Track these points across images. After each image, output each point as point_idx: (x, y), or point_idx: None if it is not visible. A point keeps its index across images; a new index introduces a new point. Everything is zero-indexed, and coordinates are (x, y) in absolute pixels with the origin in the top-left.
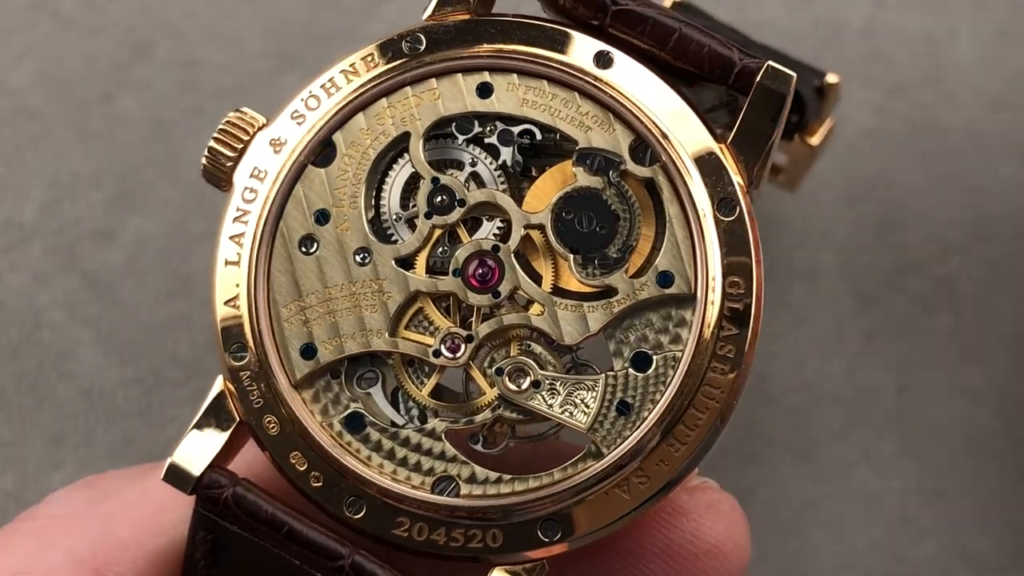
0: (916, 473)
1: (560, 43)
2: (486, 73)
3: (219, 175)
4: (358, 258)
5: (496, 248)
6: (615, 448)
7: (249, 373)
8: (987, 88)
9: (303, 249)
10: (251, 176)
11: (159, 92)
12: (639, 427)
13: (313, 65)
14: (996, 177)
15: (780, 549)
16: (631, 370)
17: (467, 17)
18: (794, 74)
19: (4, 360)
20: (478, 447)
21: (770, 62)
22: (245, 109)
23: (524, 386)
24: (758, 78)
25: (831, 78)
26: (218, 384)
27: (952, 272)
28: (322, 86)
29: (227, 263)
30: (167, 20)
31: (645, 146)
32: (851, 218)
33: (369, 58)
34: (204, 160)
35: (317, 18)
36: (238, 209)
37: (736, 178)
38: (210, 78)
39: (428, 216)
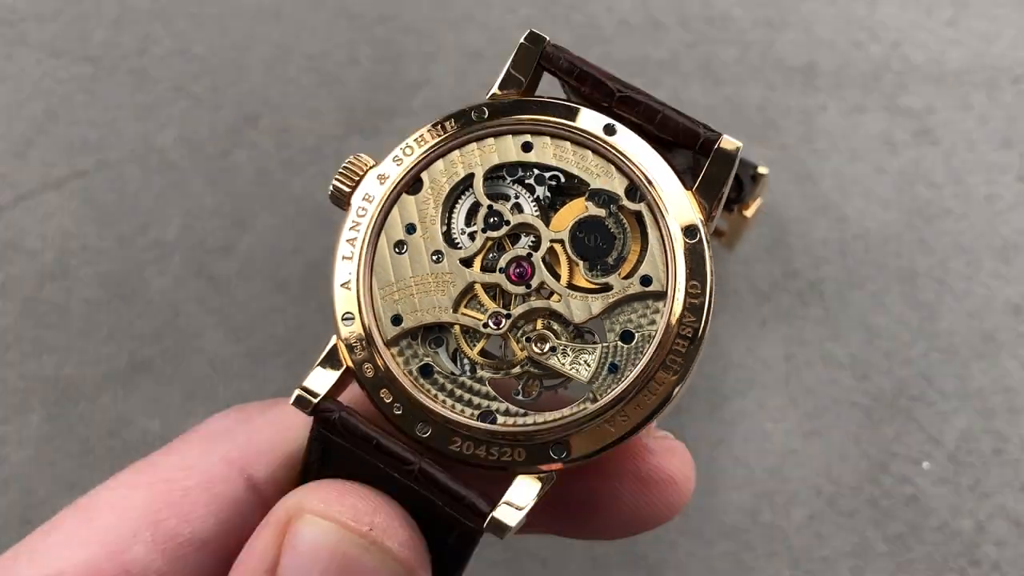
0: (797, 418)
1: (580, 117)
2: (528, 135)
3: (341, 198)
4: (434, 257)
5: (529, 255)
6: (606, 395)
7: (354, 333)
8: (846, 147)
9: (396, 250)
10: (363, 199)
11: (263, 149)
12: (623, 382)
13: (371, 130)
14: (853, 210)
15: (701, 474)
16: (619, 342)
17: (517, 97)
18: (740, 143)
19: (153, 340)
20: (519, 397)
21: (724, 135)
22: (361, 154)
23: (545, 350)
24: (716, 146)
25: (762, 169)
26: (332, 340)
27: (821, 277)
28: (415, 139)
29: (344, 258)
30: (269, 98)
31: (636, 189)
32: (751, 239)
33: (449, 121)
34: (331, 187)
35: (374, 96)
36: (352, 221)
37: (698, 214)
38: (298, 139)
39: (484, 231)
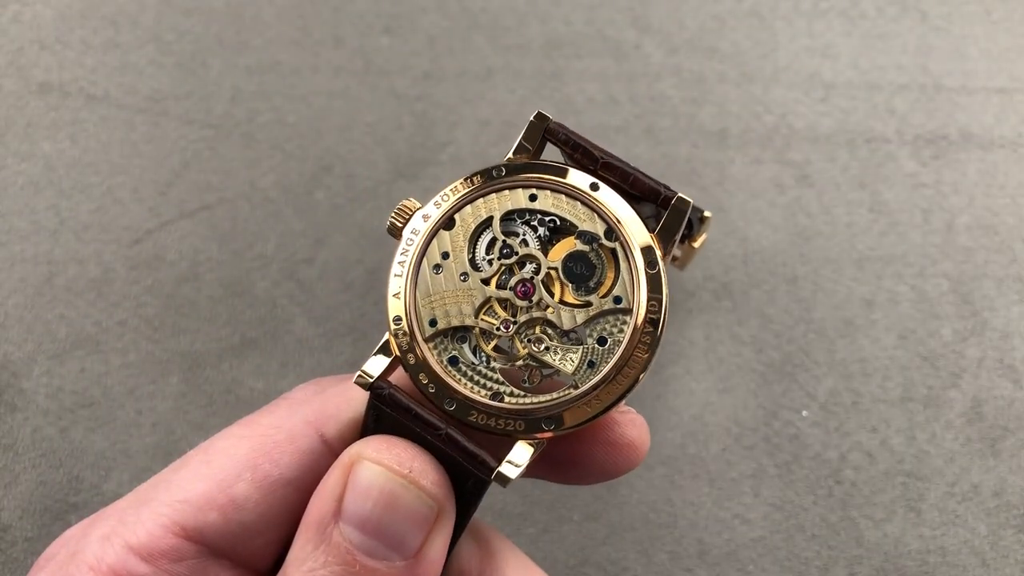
0: (713, 380)
1: (572, 176)
2: (534, 189)
3: (395, 231)
4: (462, 278)
5: (532, 278)
6: (586, 384)
7: (402, 330)
8: (748, 188)
9: (434, 271)
10: (411, 232)
11: (335, 190)
12: (599, 374)
13: (411, 175)
14: (753, 232)
15: (645, 419)
16: (596, 345)
17: (526, 160)
18: (691, 200)
19: (257, 324)
20: (525, 384)
21: (680, 193)
22: (411, 198)
23: (541, 348)
24: (673, 201)
25: (707, 213)
26: (386, 336)
27: (730, 280)
28: (451, 189)
29: (395, 276)
30: (339, 154)
31: (612, 232)
32: (695, 260)
33: (477, 176)
34: (388, 222)
35: (414, 152)
36: (403, 249)
37: (658, 251)
38: (360, 183)
39: (499, 259)
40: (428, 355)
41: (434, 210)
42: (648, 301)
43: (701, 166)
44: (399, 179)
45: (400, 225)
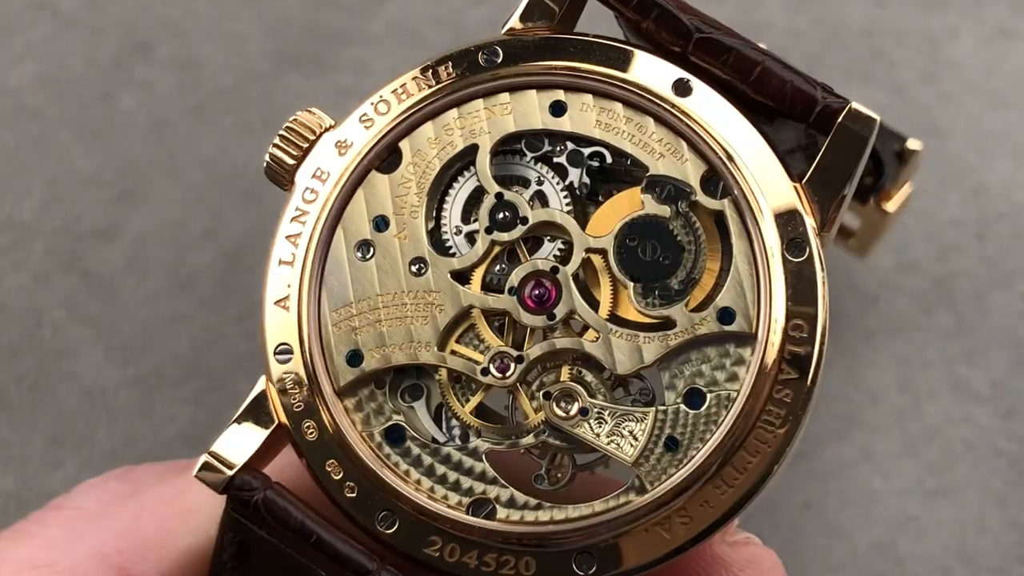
0: (918, 470)
1: (639, 67)
2: (560, 91)
3: (281, 174)
4: (414, 268)
5: (555, 270)
6: (659, 484)
7: (293, 376)
8: (988, 88)
9: (359, 254)
10: (313, 176)
11: (160, 92)
12: (686, 465)
13: (313, 64)
14: (997, 178)
15: (782, 552)
16: (683, 406)
17: (548, 34)
18: (878, 117)
19: (5, 359)
20: (543, 486)
21: (854, 103)
22: (314, 109)
23: (572, 412)
24: (840, 118)
25: (912, 144)
26: (260, 384)
27: (951, 273)
28: (393, 91)
29: (281, 262)
30: (168, 19)
31: (717, 178)
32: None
33: (445, 66)
34: (267, 157)
35: (318, 17)
36: (297, 209)
37: (809, 219)
38: (211, 77)
39: (488, 231)
40: (344, 423)
41: (360, 133)
42: (789, 320)
43: (892, 44)
44: (287, 70)
45: (292, 161)
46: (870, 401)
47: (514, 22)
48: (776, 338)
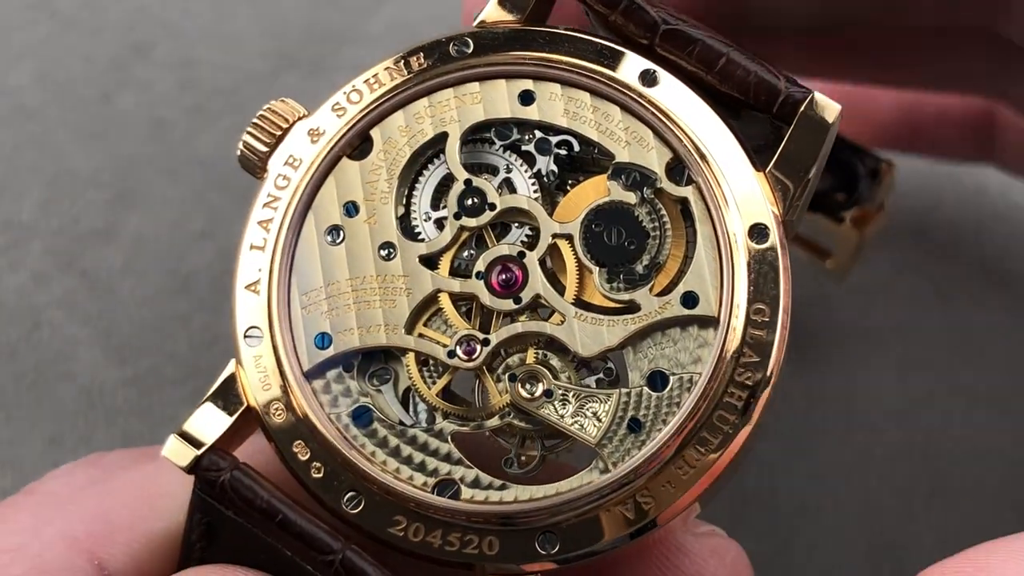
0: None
1: (606, 58)
2: (529, 81)
3: (254, 162)
4: (383, 252)
5: (522, 255)
6: (622, 464)
7: (261, 357)
8: None
9: (329, 239)
10: (285, 163)
11: (158, 92)
12: (648, 445)
13: (311, 64)
14: (994, 177)
15: (777, 548)
16: (646, 388)
17: (517, 26)
18: (839, 105)
19: (3, 360)
20: (512, 470)
21: (816, 93)
22: (287, 99)
23: (536, 394)
24: (803, 107)
25: (889, 160)
26: (230, 367)
27: (951, 272)
28: (365, 81)
29: (252, 247)
30: (166, 20)
31: (682, 166)
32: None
33: (416, 57)
34: (241, 144)
35: (316, 17)
36: (269, 195)
37: (771, 207)
38: (209, 78)
39: (457, 217)
40: (311, 405)
41: (333, 121)
42: (751, 303)
43: None
44: (285, 71)
45: (265, 149)
46: (868, 401)
47: (486, 14)
48: (739, 322)
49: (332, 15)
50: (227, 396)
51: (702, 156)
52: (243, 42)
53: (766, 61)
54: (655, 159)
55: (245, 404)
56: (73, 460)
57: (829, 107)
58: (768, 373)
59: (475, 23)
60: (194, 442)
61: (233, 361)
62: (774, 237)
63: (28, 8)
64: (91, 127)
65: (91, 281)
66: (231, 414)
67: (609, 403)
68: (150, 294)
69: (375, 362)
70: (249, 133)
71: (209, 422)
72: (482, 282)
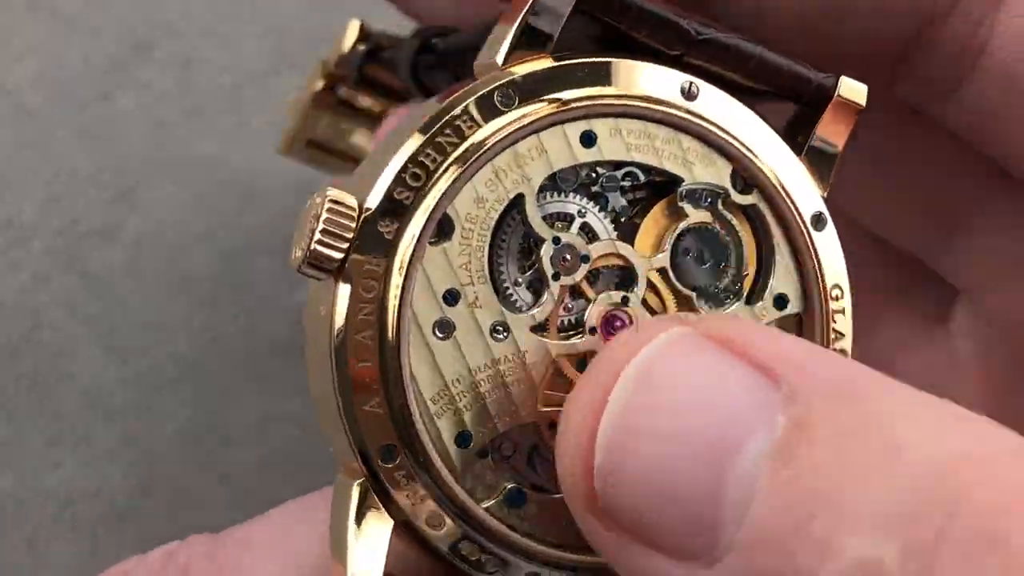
0: None
1: (644, 79)
2: (583, 122)
3: (323, 272)
4: (496, 334)
5: (625, 299)
6: None
7: (404, 472)
8: None
9: (438, 335)
10: (367, 266)
11: (159, 92)
12: None
13: (311, 65)
14: None
15: None
16: None
17: (547, 62)
18: (866, 85)
19: (3, 359)
20: None
21: (844, 77)
22: (336, 195)
23: None
24: (837, 91)
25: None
26: (355, 492)
27: None
28: (422, 157)
29: (360, 363)
30: (166, 20)
31: (744, 174)
32: None
33: (466, 119)
34: (309, 250)
35: (316, 17)
36: (361, 304)
37: (817, 191)
38: (209, 78)
39: (555, 278)
40: (470, 505)
41: (401, 208)
42: (831, 290)
43: None
44: (285, 70)
45: (337, 255)
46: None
47: (501, 56)
48: (824, 311)
49: (332, 15)
50: (369, 522)
51: (758, 158)
52: (243, 42)
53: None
54: (719, 173)
55: (393, 523)
56: (73, 460)
57: (858, 88)
58: (850, 345)
59: (500, 66)
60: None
61: (356, 485)
62: (829, 222)
63: (28, 8)
64: (91, 127)
65: (91, 281)
66: (383, 524)
67: None
68: (150, 294)
69: (504, 442)
70: (321, 235)
71: (371, 548)
72: (598, 336)
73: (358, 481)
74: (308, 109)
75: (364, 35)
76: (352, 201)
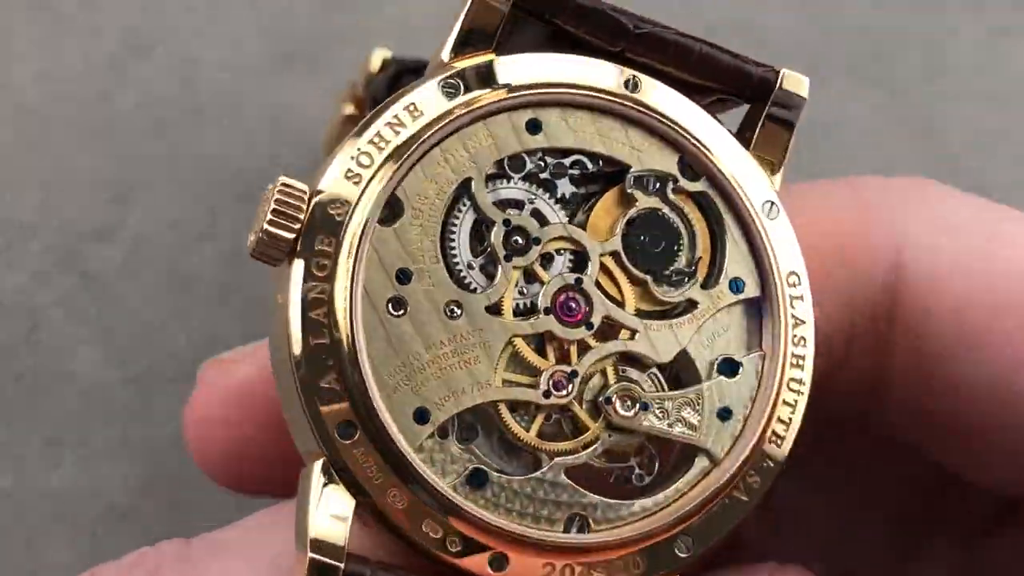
0: None
1: (588, 72)
2: (530, 110)
3: (280, 250)
4: (448, 312)
5: (579, 280)
6: (729, 453)
7: (363, 449)
8: (986, 88)
9: (392, 312)
10: (319, 246)
11: (158, 92)
12: (742, 428)
13: (312, 64)
14: (996, 177)
15: None
16: (723, 377)
17: (491, 58)
18: (807, 77)
19: (2, 359)
20: (641, 483)
21: (785, 69)
22: (286, 180)
23: (634, 411)
24: (778, 84)
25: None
26: (317, 470)
27: None
28: (370, 140)
29: (315, 340)
30: (166, 20)
31: (691, 161)
32: None
33: (411, 107)
34: (261, 234)
35: (316, 17)
36: (312, 283)
37: (768, 181)
38: (209, 77)
39: (507, 259)
40: (434, 480)
41: (350, 189)
42: (787, 276)
43: (892, 45)
44: (285, 68)
45: (291, 236)
46: None
47: (446, 54)
48: (782, 294)
49: (332, 15)
50: (330, 501)
51: (706, 147)
52: (243, 42)
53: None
54: (666, 161)
55: (355, 502)
56: (73, 460)
57: (799, 79)
58: (812, 331)
59: (442, 63)
60: (330, 550)
61: (316, 464)
62: (780, 208)
63: (28, 8)
64: (91, 127)
65: (91, 281)
66: (348, 500)
67: (701, 401)
68: (150, 294)
69: (464, 420)
70: (268, 225)
71: (333, 515)
72: (552, 316)
73: (319, 461)
74: (337, 135)
75: (387, 64)
76: (302, 186)
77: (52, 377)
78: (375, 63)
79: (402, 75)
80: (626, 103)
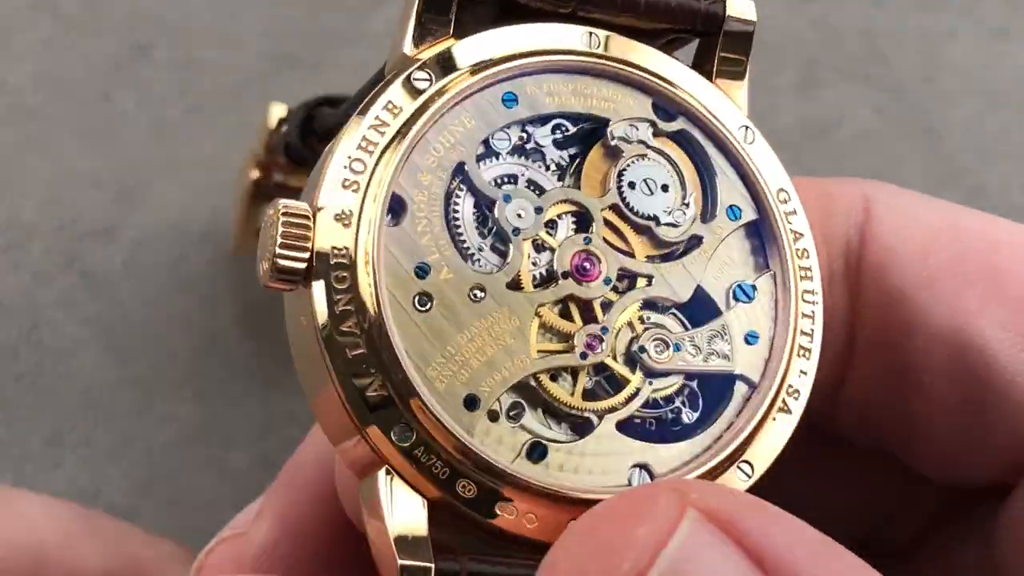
0: None
1: (549, 36)
2: (505, 83)
3: (297, 279)
4: (473, 297)
5: (588, 239)
6: (765, 376)
7: (423, 448)
8: (985, 88)
9: (419, 308)
10: (335, 260)
11: (159, 92)
12: (771, 348)
13: (311, 64)
14: (996, 177)
15: None
16: (739, 304)
17: (453, 43)
18: (752, 3)
19: (3, 359)
20: (681, 415)
21: (728, 1)
22: (286, 201)
23: (669, 354)
24: (724, 16)
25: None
26: (381, 477)
27: None
28: (359, 145)
29: (353, 351)
30: (166, 20)
31: (664, 103)
32: None
33: (390, 105)
34: (275, 263)
35: (316, 17)
36: (337, 296)
37: (736, 107)
38: (210, 78)
39: (515, 233)
40: (498, 463)
41: (350, 199)
42: (777, 195)
43: (890, 44)
44: (285, 70)
45: (301, 263)
46: None
47: (407, 48)
48: (778, 212)
49: (332, 15)
50: (403, 505)
51: (676, 86)
52: (243, 42)
53: None
54: (641, 106)
55: (426, 500)
56: (73, 460)
57: (744, 7)
58: (812, 245)
59: (404, 56)
60: (416, 547)
61: (382, 473)
62: (755, 131)
63: (28, 8)
64: (91, 127)
65: (91, 281)
66: (417, 497)
67: (728, 331)
68: (150, 294)
69: (508, 400)
70: (280, 256)
71: (410, 509)
72: (570, 280)
73: (382, 469)
74: (247, 203)
75: (286, 118)
76: (304, 206)
77: (52, 377)
78: (272, 120)
79: (313, 115)
80: (590, 59)
